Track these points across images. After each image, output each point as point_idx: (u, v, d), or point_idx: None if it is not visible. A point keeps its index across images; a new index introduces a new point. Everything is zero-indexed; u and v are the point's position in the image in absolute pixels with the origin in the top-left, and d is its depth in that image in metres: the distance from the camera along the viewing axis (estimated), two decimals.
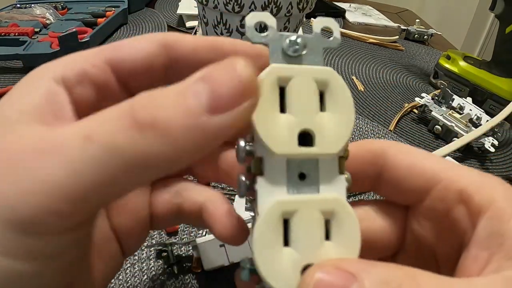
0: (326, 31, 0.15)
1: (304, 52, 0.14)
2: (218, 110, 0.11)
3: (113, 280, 0.28)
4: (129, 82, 0.16)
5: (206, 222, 0.18)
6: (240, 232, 0.17)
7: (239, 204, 0.31)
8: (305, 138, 0.14)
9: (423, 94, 0.53)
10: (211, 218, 0.17)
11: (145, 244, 0.31)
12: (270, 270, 0.13)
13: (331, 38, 0.15)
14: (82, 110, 0.15)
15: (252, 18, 0.14)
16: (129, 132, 0.10)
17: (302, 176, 0.14)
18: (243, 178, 0.14)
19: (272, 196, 0.13)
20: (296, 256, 0.13)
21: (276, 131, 0.13)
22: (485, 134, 0.46)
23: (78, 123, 0.11)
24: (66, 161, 0.10)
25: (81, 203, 0.11)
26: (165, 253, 0.29)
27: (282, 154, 0.13)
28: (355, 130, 0.50)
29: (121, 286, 0.28)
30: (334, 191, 0.14)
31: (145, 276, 0.29)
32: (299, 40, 0.14)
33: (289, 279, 0.13)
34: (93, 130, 0.11)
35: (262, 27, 0.14)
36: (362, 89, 0.60)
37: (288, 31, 0.47)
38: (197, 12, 0.52)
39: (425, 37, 0.83)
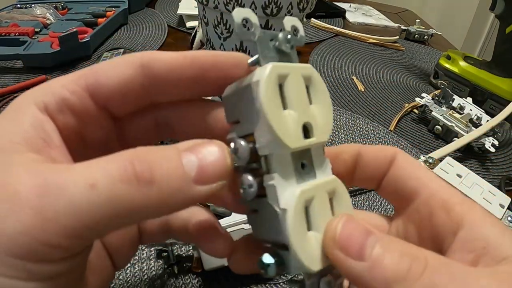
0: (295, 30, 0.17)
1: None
2: (200, 182, 0.13)
3: (113, 280, 0.28)
4: (108, 106, 0.17)
5: (193, 239, 0.19)
6: (226, 247, 0.18)
7: None
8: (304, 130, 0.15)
9: (423, 94, 0.53)
10: (196, 236, 0.19)
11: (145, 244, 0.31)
12: (305, 254, 0.14)
13: (299, 36, 0.16)
14: (67, 136, 0.16)
15: (239, 14, 0.15)
16: (129, 185, 0.12)
17: (302, 166, 0.15)
18: (251, 178, 0.14)
19: (287, 189, 0.14)
20: (319, 237, 0.15)
21: (286, 128, 0.14)
22: (485, 134, 0.46)
23: (82, 168, 0.13)
24: (70, 204, 0.12)
25: (79, 239, 0.12)
26: (165, 253, 0.29)
27: (295, 148, 0.14)
28: (356, 130, 0.50)
29: (121, 286, 0.28)
30: (326, 173, 0.16)
31: (146, 276, 0.29)
32: (290, 37, 0.15)
33: (318, 259, 0.14)
34: (97, 178, 0.12)
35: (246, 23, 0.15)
36: (362, 89, 0.60)
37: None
38: (197, 12, 0.52)
39: (425, 37, 0.83)
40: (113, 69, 0.16)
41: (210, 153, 0.14)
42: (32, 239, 0.11)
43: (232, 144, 0.14)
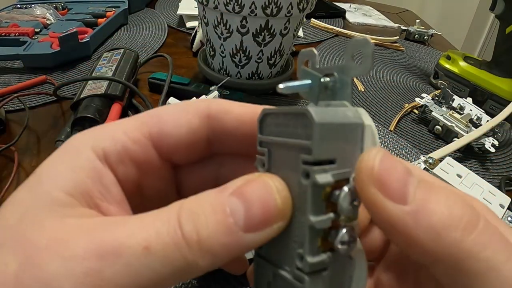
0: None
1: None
2: (251, 229, 0.12)
3: None
4: (171, 156, 0.16)
5: None
6: (241, 267, 0.20)
7: None
8: None
9: (423, 95, 0.53)
10: None
11: None
12: None
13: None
14: (125, 186, 0.15)
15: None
16: (179, 247, 0.12)
17: None
18: (345, 231, 0.13)
19: None
20: None
21: None
22: (485, 134, 0.46)
23: (135, 227, 0.12)
24: (126, 267, 0.12)
25: None
26: None
27: None
28: None
29: None
30: None
31: None
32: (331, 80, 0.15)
33: None
34: (150, 241, 0.12)
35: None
36: (362, 89, 0.60)
37: (288, 32, 0.47)
38: (197, 13, 0.52)
39: (425, 37, 0.83)
40: (178, 118, 0.15)
41: (256, 194, 0.12)
42: None
43: (344, 194, 0.12)
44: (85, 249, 0.12)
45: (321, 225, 0.12)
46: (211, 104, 0.16)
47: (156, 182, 0.16)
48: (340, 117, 0.13)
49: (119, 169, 0.15)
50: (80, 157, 0.14)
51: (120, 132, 0.15)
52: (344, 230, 0.13)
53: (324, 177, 0.12)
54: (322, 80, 0.15)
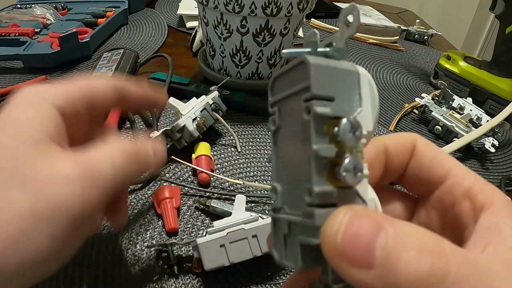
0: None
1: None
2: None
3: (113, 280, 0.28)
4: (92, 112, 0.21)
5: None
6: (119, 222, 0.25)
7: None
8: None
9: (423, 95, 0.53)
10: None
11: (145, 244, 0.31)
12: None
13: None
14: (68, 134, 0.20)
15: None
16: (125, 161, 0.19)
17: None
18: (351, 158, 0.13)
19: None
20: None
21: None
22: (485, 134, 0.46)
23: (105, 153, 0.19)
24: (105, 178, 0.18)
25: (109, 196, 0.18)
26: (165, 253, 0.29)
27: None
28: None
29: (121, 285, 0.28)
30: None
31: (145, 276, 0.28)
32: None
33: None
34: (115, 159, 0.19)
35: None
36: None
37: (288, 32, 0.47)
38: (197, 13, 0.52)
39: (425, 37, 0.83)
40: (102, 84, 0.21)
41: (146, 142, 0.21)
42: (84, 205, 0.17)
43: (345, 122, 0.13)
44: (74, 171, 0.17)
45: (325, 152, 0.13)
46: (117, 81, 0.22)
47: (80, 131, 0.22)
48: (336, 64, 0.14)
49: (68, 120, 0.19)
50: (47, 110, 0.18)
51: (66, 91, 0.20)
52: (347, 159, 0.13)
53: (324, 109, 0.13)
54: (320, 49, 0.16)
